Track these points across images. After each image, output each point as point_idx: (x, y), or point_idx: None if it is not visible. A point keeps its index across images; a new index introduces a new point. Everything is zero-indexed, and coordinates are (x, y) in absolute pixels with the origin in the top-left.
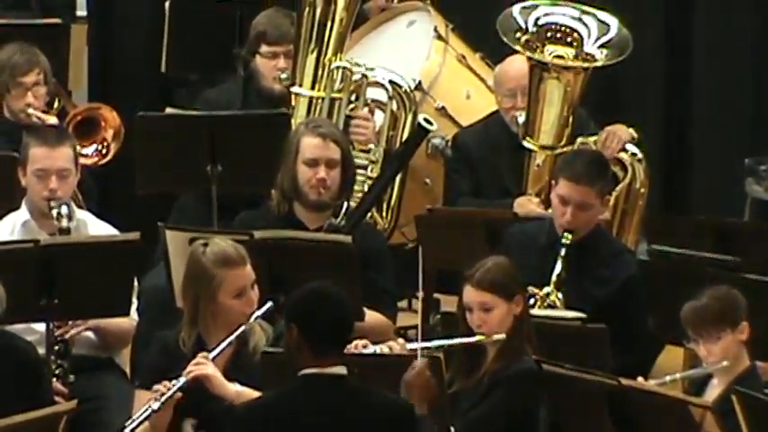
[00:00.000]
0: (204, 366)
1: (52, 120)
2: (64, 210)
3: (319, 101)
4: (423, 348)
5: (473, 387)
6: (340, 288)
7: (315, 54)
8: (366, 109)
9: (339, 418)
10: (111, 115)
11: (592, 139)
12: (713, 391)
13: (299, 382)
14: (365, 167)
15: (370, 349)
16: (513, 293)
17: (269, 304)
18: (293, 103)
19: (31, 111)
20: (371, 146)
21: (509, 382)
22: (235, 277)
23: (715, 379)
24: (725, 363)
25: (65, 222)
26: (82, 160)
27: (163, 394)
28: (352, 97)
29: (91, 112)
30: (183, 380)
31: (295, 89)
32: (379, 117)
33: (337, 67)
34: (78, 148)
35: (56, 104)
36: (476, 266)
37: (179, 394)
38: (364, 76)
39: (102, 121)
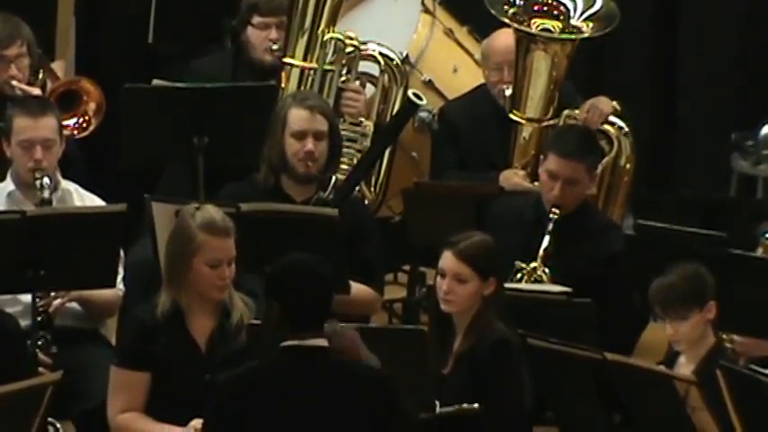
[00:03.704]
0: None
1: (36, 91)
2: (46, 181)
3: (311, 73)
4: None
5: (451, 369)
6: (320, 259)
7: (308, 26)
8: (357, 82)
9: (319, 389)
10: (93, 88)
11: (578, 111)
12: (681, 370)
13: (279, 354)
14: (355, 141)
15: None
16: (489, 274)
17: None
18: (284, 75)
19: (14, 83)
20: (362, 119)
21: (491, 360)
22: (214, 246)
23: (682, 357)
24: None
25: (46, 193)
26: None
27: None
28: (344, 70)
29: (72, 84)
30: None
31: (287, 60)
32: (370, 90)
33: (330, 39)
34: None
35: (40, 76)
36: (462, 235)
37: None
38: (357, 48)
39: (84, 95)
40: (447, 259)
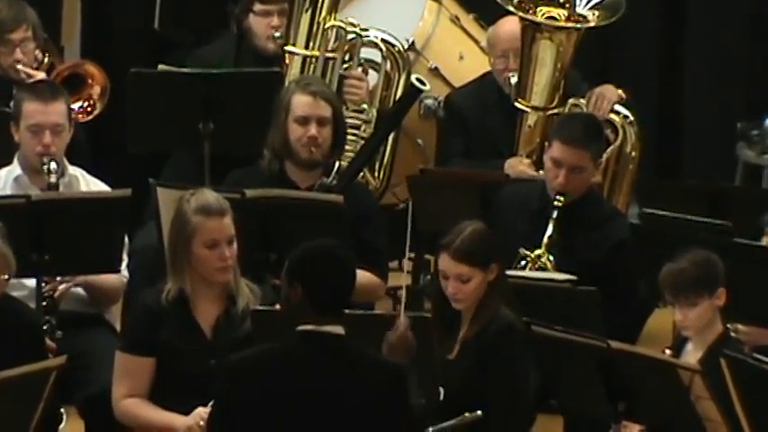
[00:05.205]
0: None
1: (41, 75)
2: (53, 166)
3: (313, 60)
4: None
5: (457, 355)
6: (344, 247)
7: (309, 13)
8: (360, 69)
9: (333, 376)
10: (98, 71)
11: (583, 100)
12: (688, 357)
13: (296, 338)
14: (358, 127)
15: None
16: (489, 262)
17: None
18: (287, 63)
19: (20, 67)
20: (365, 106)
21: (496, 345)
22: (209, 227)
23: (689, 344)
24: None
25: (54, 178)
26: None
27: None
28: (346, 57)
29: (77, 68)
30: None
31: (289, 48)
32: (373, 77)
33: (332, 27)
34: None
35: (45, 60)
36: (453, 233)
37: None
38: (358, 35)
39: (89, 78)
40: (445, 262)
